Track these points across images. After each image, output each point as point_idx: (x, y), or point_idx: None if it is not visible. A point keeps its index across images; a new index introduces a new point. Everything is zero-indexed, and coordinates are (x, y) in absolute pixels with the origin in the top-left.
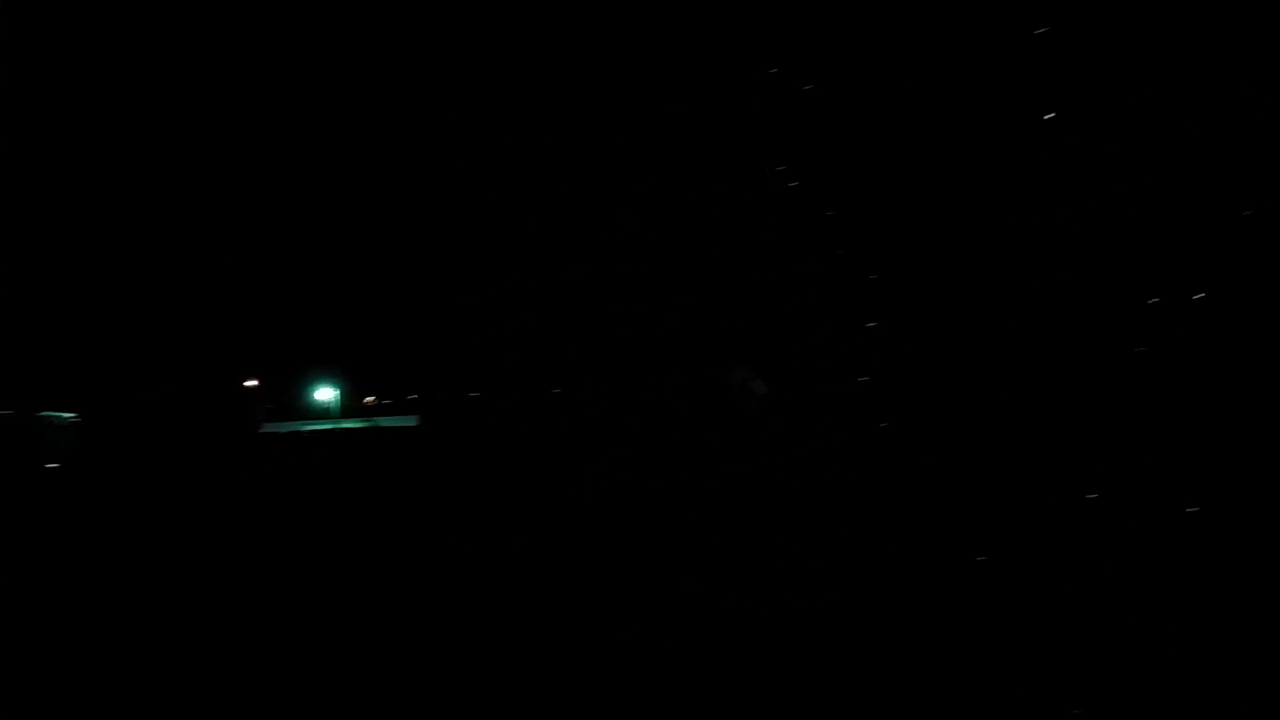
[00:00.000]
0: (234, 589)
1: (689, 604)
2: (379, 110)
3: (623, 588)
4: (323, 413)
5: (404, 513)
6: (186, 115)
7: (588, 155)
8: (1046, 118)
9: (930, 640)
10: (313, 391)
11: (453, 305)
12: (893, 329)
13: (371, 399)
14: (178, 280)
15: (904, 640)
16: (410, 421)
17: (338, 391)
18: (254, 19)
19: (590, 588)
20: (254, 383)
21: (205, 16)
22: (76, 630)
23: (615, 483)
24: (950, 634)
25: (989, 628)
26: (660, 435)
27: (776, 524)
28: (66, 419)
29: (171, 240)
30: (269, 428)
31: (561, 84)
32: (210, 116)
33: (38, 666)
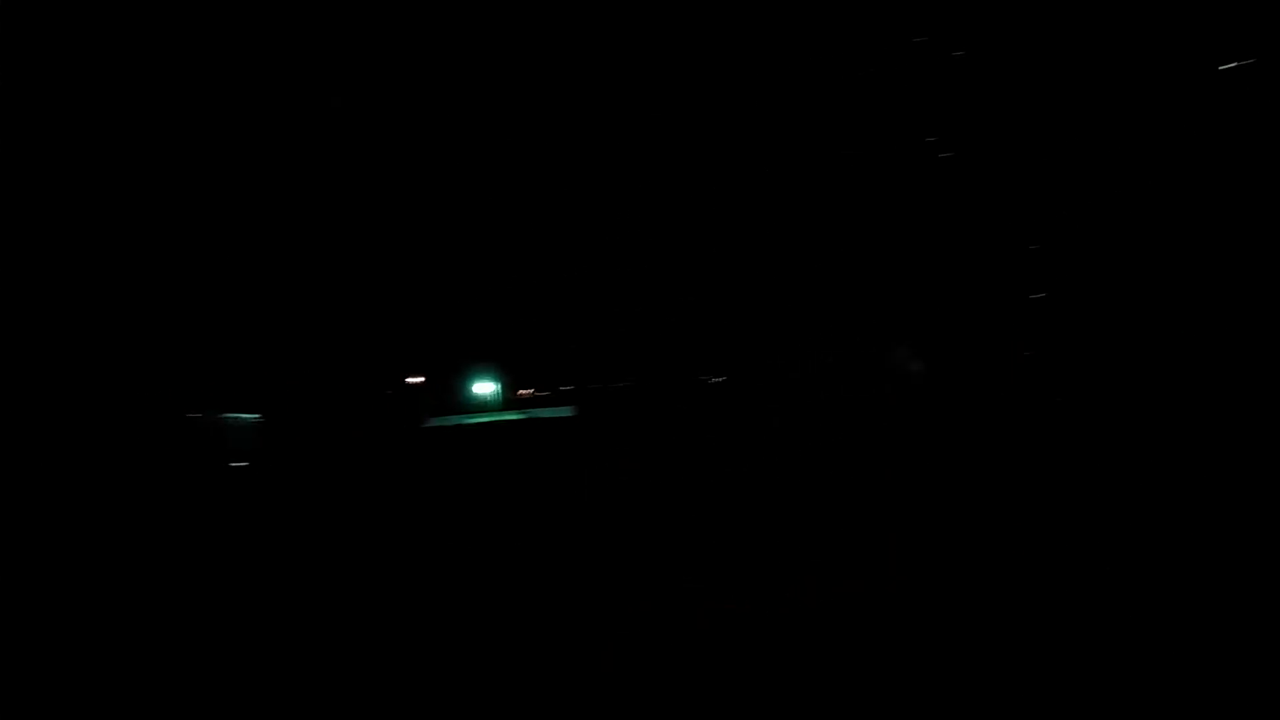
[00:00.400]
0: (409, 580)
1: (689, 604)
2: (522, 109)
3: (622, 588)
4: (483, 406)
5: (562, 502)
6: (334, 114)
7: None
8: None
9: (930, 640)
10: (473, 386)
11: (605, 297)
12: (906, 325)
13: (528, 391)
14: (345, 287)
15: (904, 640)
16: (566, 413)
17: (497, 385)
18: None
19: (589, 588)
20: (418, 380)
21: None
22: (262, 621)
23: (615, 482)
24: (950, 634)
25: (989, 628)
26: (660, 435)
27: (776, 524)
28: (249, 420)
29: (338, 248)
30: (434, 422)
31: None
32: (355, 115)
33: (226, 655)
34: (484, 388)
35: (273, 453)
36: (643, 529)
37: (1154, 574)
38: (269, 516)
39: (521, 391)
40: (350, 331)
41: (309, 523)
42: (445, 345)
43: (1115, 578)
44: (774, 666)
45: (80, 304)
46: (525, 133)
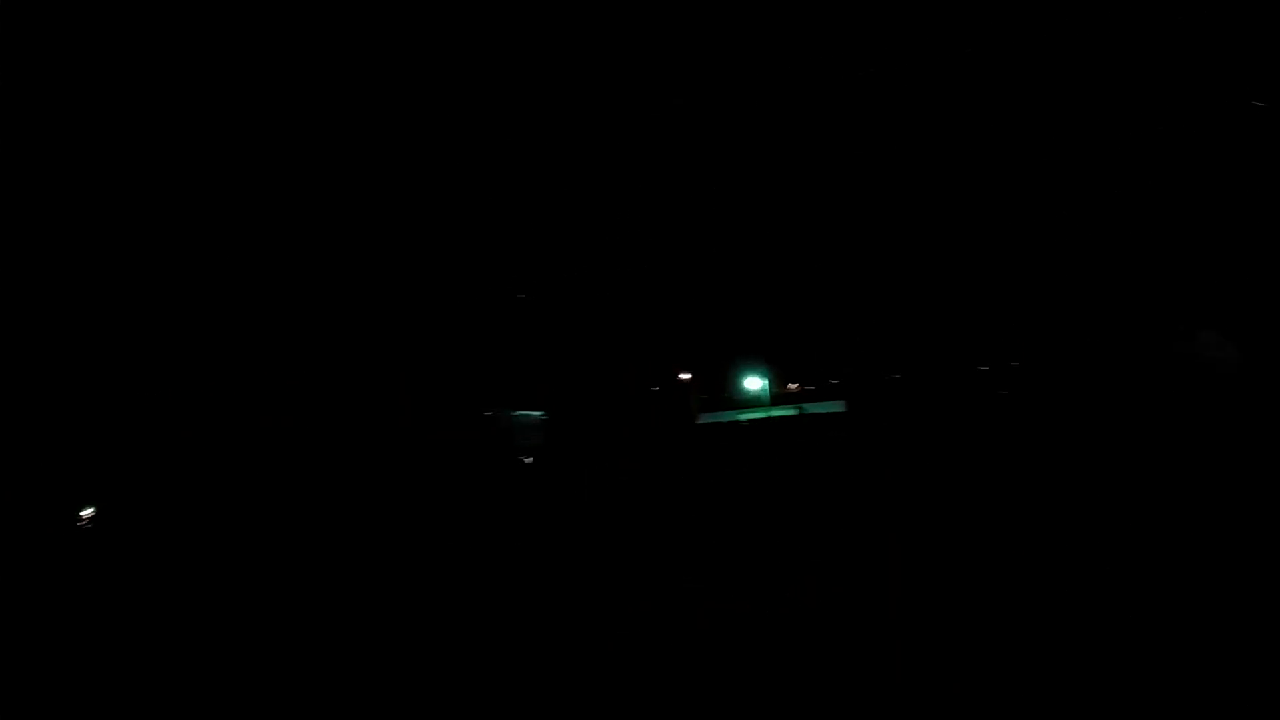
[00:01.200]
0: (682, 570)
1: (689, 604)
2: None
3: (622, 587)
4: (753, 401)
5: (835, 495)
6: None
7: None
8: None
9: (930, 640)
10: (742, 381)
11: (872, 286)
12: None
13: (795, 385)
14: (617, 290)
15: (904, 640)
16: (837, 407)
17: (766, 380)
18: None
19: (588, 587)
20: (688, 376)
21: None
22: (552, 599)
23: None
24: (950, 634)
25: (988, 628)
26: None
27: (776, 525)
28: (536, 417)
29: (613, 255)
30: (706, 418)
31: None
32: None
33: (519, 630)
34: (753, 383)
35: (555, 448)
36: (642, 529)
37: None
38: (554, 506)
39: (789, 385)
40: (624, 331)
41: (590, 512)
42: (712, 341)
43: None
44: (774, 666)
45: (397, 321)
46: (777, 134)
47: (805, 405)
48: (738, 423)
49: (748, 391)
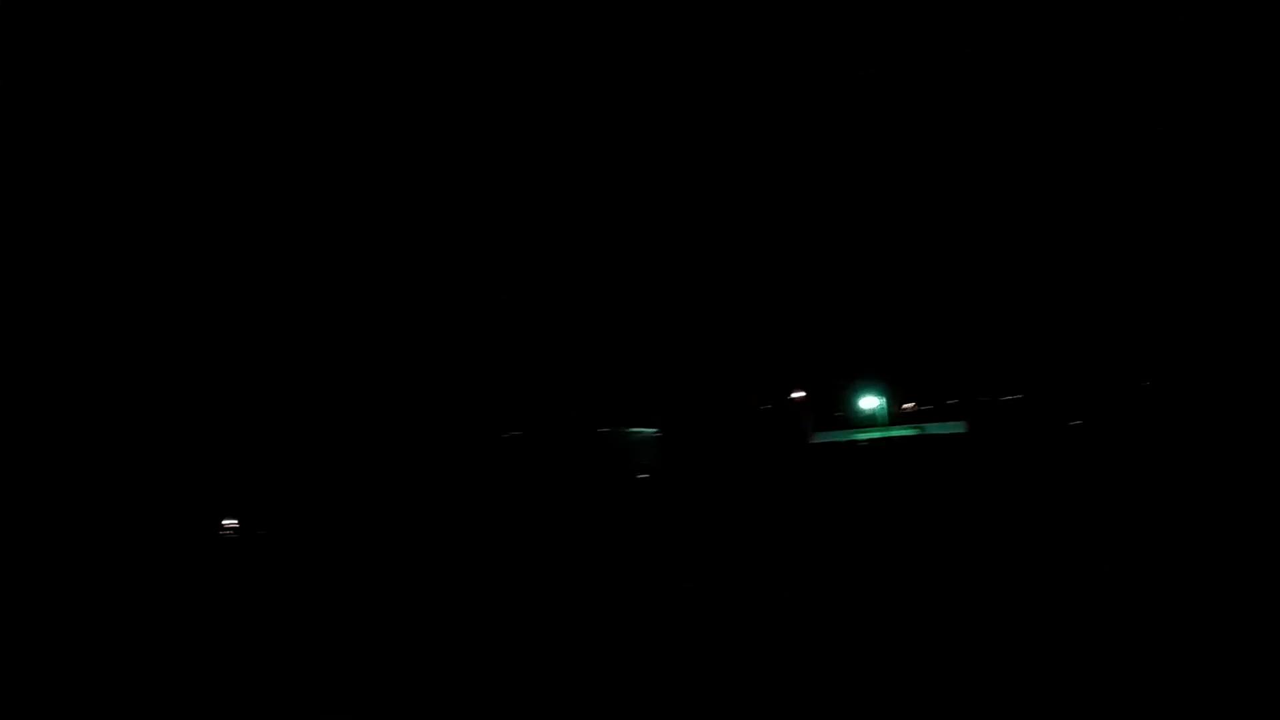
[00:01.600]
0: (793, 593)
1: (689, 604)
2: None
3: (622, 587)
4: (869, 421)
5: (958, 521)
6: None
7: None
8: None
9: (930, 640)
10: (857, 400)
11: (993, 301)
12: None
13: (911, 405)
14: (727, 306)
15: (903, 640)
16: (958, 428)
17: (882, 399)
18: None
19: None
20: (801, 394)
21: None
22: (664, 614)
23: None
24: (949, 634)
25: (988, 628)
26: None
27: (777, 525)
28: (650, 434)
29: (722, 269)
30: (820, 437)
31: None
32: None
33: (626, 643)
34: (869, 402)
35: (670, 465)
36: (642, 530)
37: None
38: (668, 524)
39: (905, 405)
40: (737, 348)
41: (703, 531)
42: (827, 359)
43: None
44: (774, 667)
45: (513, 337)
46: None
47: (926, 425)
48: (855, 443)
49: (863, 410)
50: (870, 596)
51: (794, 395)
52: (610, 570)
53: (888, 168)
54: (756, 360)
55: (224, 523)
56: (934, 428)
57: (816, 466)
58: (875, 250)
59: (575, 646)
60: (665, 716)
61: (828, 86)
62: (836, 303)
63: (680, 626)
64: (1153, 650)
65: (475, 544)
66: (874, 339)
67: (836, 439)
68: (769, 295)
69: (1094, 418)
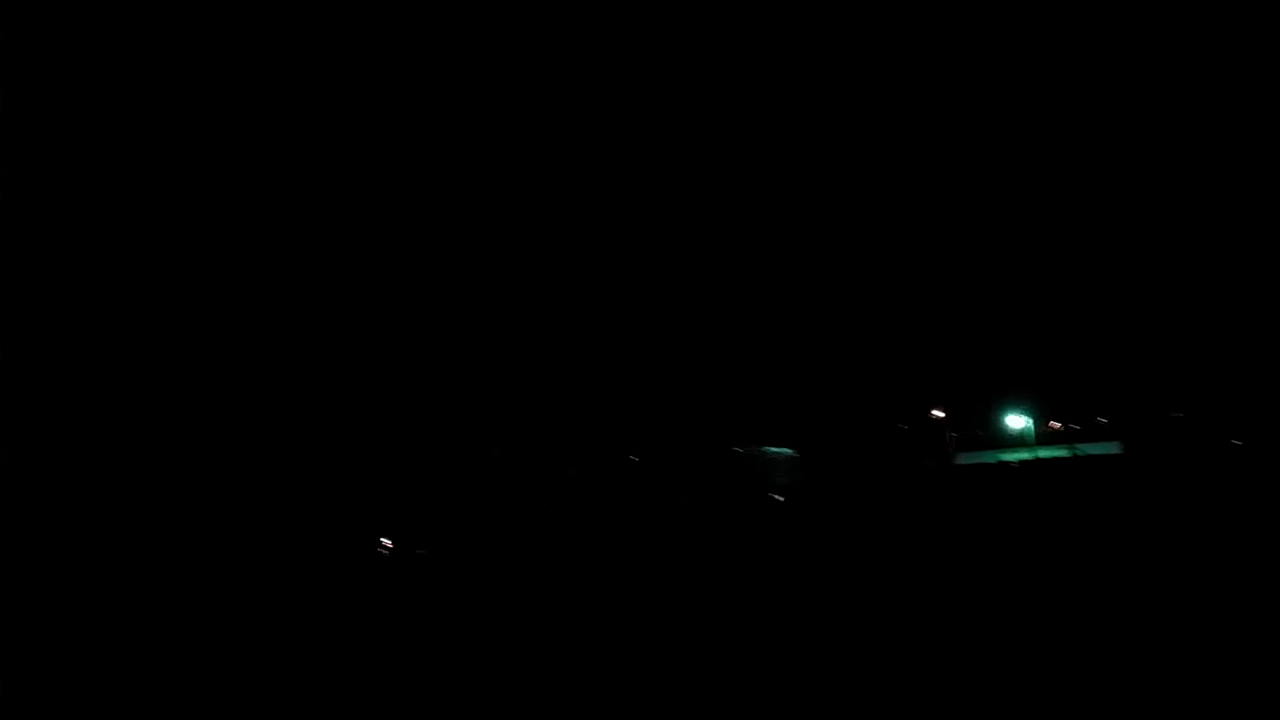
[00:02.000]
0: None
1: (687, 605)
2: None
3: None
4: (1017, 441)
5: (1116, 551)
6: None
7: None
8: None
9: (929, 641)
10: (1003, 419)
11: (1145, 316)
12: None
13: (1059, 424)
14: (858, 323)
15: (903, 641)
16: (1112, 449)
17: (1030, 419)
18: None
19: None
20: (941, 413)
21: None
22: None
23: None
24: (949, 635)
25: (987, 629)
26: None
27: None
28: (786, 454)
29: (847, 289)
30: (964, 458)
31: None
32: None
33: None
34: (1015, 420)
35: (806, 486)
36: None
37: None
38: (802, 546)
39: (1053, 424)
40: (874, 365)
41: (840, 557)
42: (969, 375)
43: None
44: (773, 668)
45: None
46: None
47: (1078, 446)
48: (1002, 464)
49: (1010, 430)
50: (1022, 629)
51: (934, 414)
52: (745, 593)
53: (1034, 174)
54: (894, 377)
55: (383, 540)
56: (1087, 448)
57: (960, 490)
58: (1019, 260)
59: (712, 666)
60: None
61: (970, 97)
62: (978, 316)
63: (818, 655)
64: None
65: (610, 561)
66: (1019, 353)
67: (981, 460)
68: (907, 309)
69: (1261, 437)
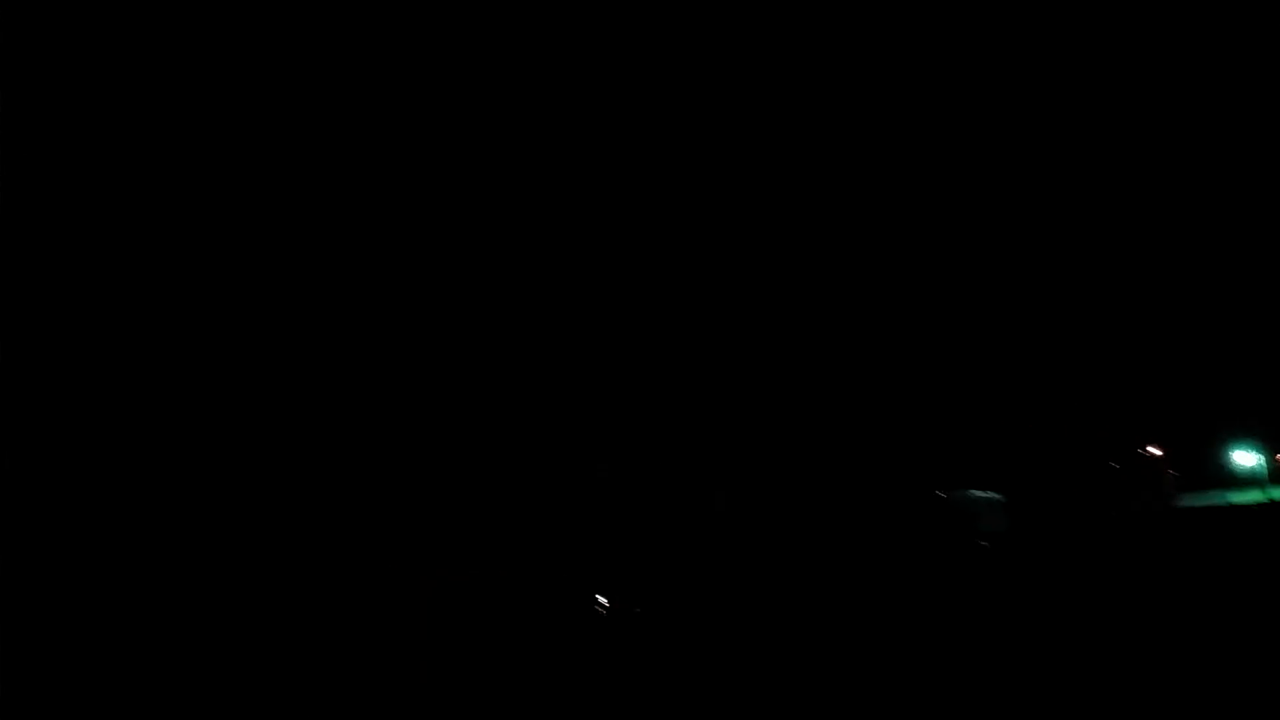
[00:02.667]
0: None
1: (687, 606)
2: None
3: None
4: (1247, 479)
5: None
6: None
7: None
8: None
9: (929, 641)
10: (1230, 455)
11: None
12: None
13: None
14: (1074, 359)
15: (904, 641)
16: None
17: (1261, 454)
18: None
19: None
20: (1158, 450)
21: None
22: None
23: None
24: (949, 635)
25: (987, 629)
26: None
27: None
28: (993, 498)
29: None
30: (1186, 500)
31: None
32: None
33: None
34: (1244, 457)
35: (1016, 532)
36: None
37: None
38: (1014, 596)
39: None
40: (1084, 399)
41: (1054, 609)
42: (1189, 406)
43: None
44: (773, 668)
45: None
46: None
47: None
48: (1230, 506)
49: (1239, 467)
50: (1260, 699)
51: (1150, 450)
52: (951, 647)
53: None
54: (1106, 412)
55: (599, 599)
56: None
57: (1184, 536)
58: (1245, 273)
59: None
60: None
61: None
62: (1199, 336)
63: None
64: None
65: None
66: (1246, 378)
67: (1207, 502)
68: (1114, 337)
69: None
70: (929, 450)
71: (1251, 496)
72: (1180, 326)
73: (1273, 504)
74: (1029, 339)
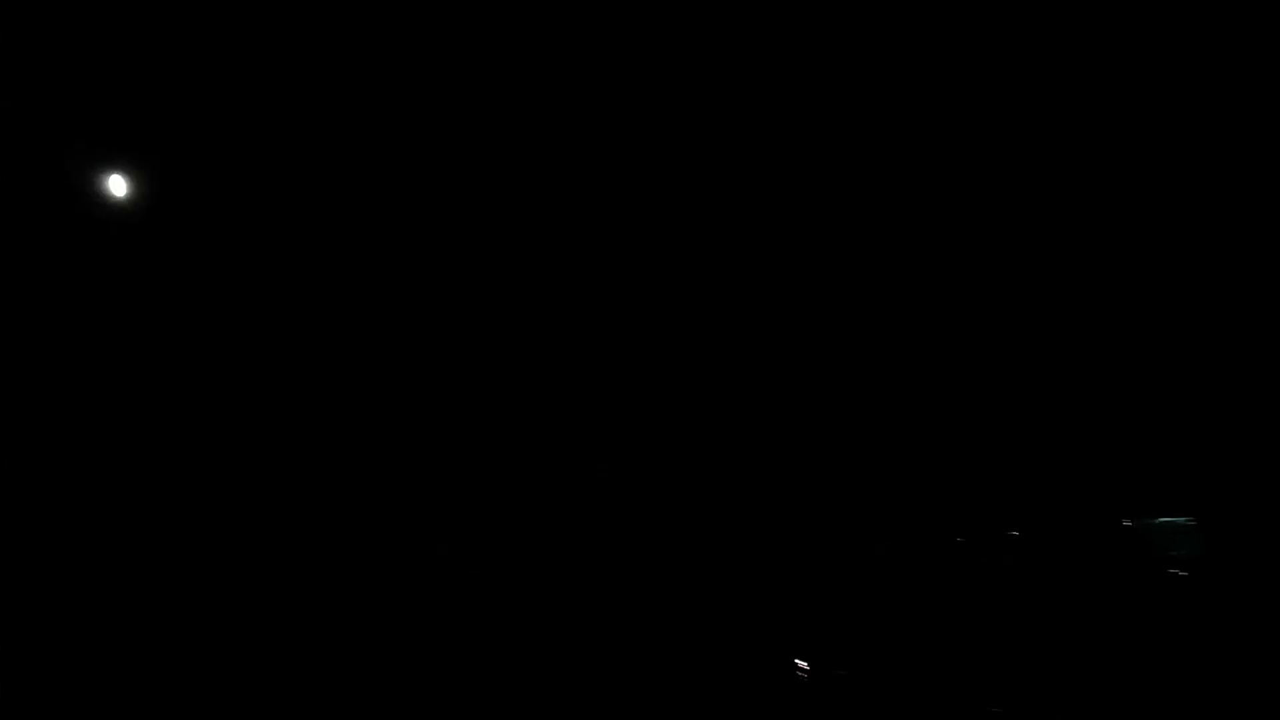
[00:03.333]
0: None
1: (686, 608)
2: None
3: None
4: None
5: None
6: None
7: None
8: None
9: (928, 642)
10: None
11: None
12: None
13: None
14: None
15: (902, 642)
16: None
17: None
18: None
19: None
20: None
21: None
22: None
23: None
24: (948, 635)
25: (986, 629)
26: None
27: (773, 527)
28: (1183, 523)
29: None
30: None
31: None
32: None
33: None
34: None
35: (1212, 560)
36: (641, 532)
37: None
38: (1210, 632)
39: None
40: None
41: (1263, 645)
42: None
43: None
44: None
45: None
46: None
47: None
48: None
49: None
50: None
51: None
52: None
53: None
54: None
55: (798, 662)
56: None
57: None
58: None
59: None
60: None
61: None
62: None
63: None
64: None
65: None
66: None
67: None
68: None
69: None
70: (1109, 474)
71: None
72: None
73: None
74: (1214, 342)
